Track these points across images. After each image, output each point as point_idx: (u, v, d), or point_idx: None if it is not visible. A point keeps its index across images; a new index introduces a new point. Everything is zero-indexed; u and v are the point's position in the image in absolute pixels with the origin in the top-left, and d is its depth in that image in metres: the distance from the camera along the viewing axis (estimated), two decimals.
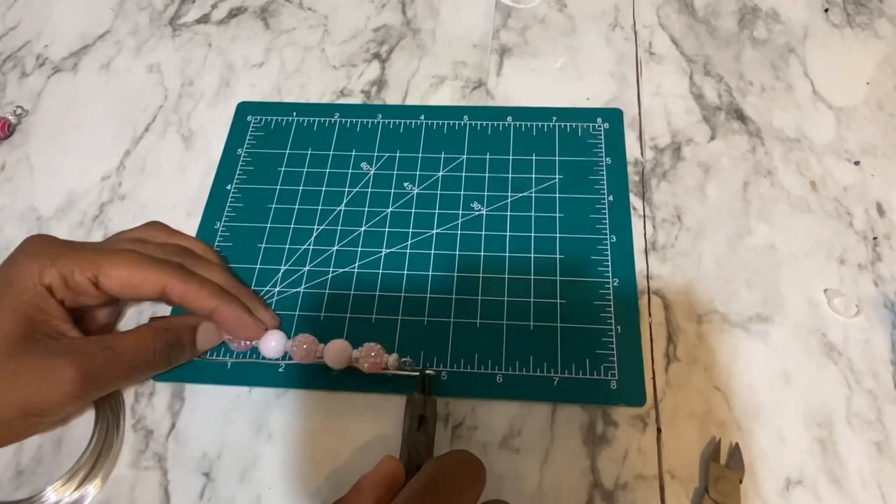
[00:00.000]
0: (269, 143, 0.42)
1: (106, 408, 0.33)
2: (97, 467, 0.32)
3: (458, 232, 0.38)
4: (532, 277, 0.36)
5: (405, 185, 0.40)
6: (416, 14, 0.48)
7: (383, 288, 0.36)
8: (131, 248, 0.32)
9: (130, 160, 0.42)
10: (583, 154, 0.40)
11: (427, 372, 0.33)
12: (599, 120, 0.41)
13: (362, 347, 0.33)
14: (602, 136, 0.41)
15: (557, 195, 0.38)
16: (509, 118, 0.42)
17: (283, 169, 0.41)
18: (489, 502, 0.25)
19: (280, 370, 0.34)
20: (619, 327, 0.34)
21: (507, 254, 0.37)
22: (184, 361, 0.33)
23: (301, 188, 0.40)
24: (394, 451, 0.31)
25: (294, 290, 0.36)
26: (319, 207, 0.39)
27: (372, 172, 0.40)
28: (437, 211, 0.38)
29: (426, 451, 0.30)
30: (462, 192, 0.39)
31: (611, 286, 0.35)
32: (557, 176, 0.39)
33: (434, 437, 0.31)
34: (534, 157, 0.40)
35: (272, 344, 0.33)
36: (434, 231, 0.38)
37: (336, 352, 0.33)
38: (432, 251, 0.37)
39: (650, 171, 0.40)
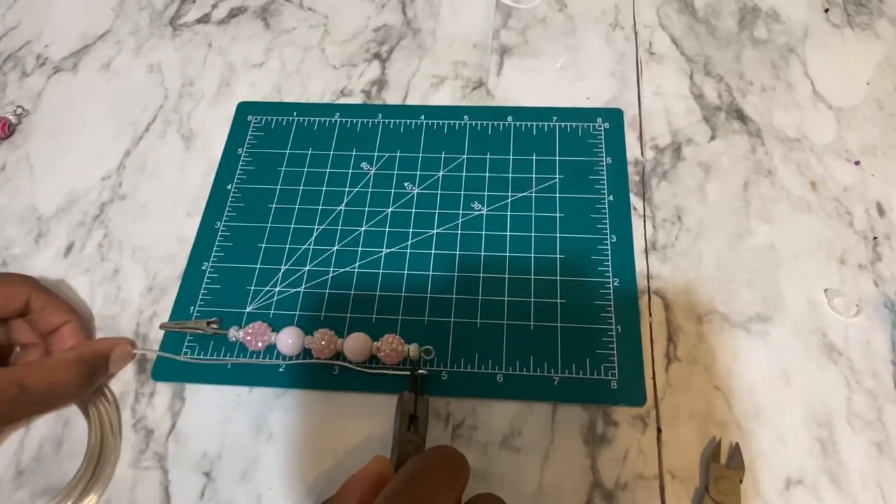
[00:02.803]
0: (269, 142, 0.42)
1: (96, 419, 0.33)
2: (92, 483, 0.31)
3: (459, 232, 0.38)
4: (532, 277, 0.36)
5: (405, 184, 0.40)
6: (417, 14, 0.48)
7: (383, 288, 0.36)
8: None
9: (131, 160, 0.42)
10: (583, 154, 0.40)
11: (419, 372, 0.33)
12: (599, 120, 0.41)
13: (382, 339, 0.33)
14: (602, 136, 0.41)
15: (557, 195, 0.38)
16: (509, 118, 0.42)
17: (283, 169, 0.41)
18: (478, 497, 0.25)
19: (280, 370, 0.34)
20: (619, 327, 0.34)
21: (507, 254, 0.37)
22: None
23: (301, 188, 0.40)
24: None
25: (294, 290, 0.36)
26: (320, 207, 0.39)
27: (372, 172, 0.40)
28: (437, 211, 0.38)
29: (417, 451, 0.30)
30: (462, 192, 0.39)
31: (611, 286, 0.35)
32: (557, 176, 0.39)
33: (426, 437, 0.31)
34: (534, 157, 0.40)
35: (290, 341, 0.33)
36: (434, 231, 0.38)
37: (357, 344, 0.33)
38: (432, 251, 0.37)
39: (650, 170, 0.40)
